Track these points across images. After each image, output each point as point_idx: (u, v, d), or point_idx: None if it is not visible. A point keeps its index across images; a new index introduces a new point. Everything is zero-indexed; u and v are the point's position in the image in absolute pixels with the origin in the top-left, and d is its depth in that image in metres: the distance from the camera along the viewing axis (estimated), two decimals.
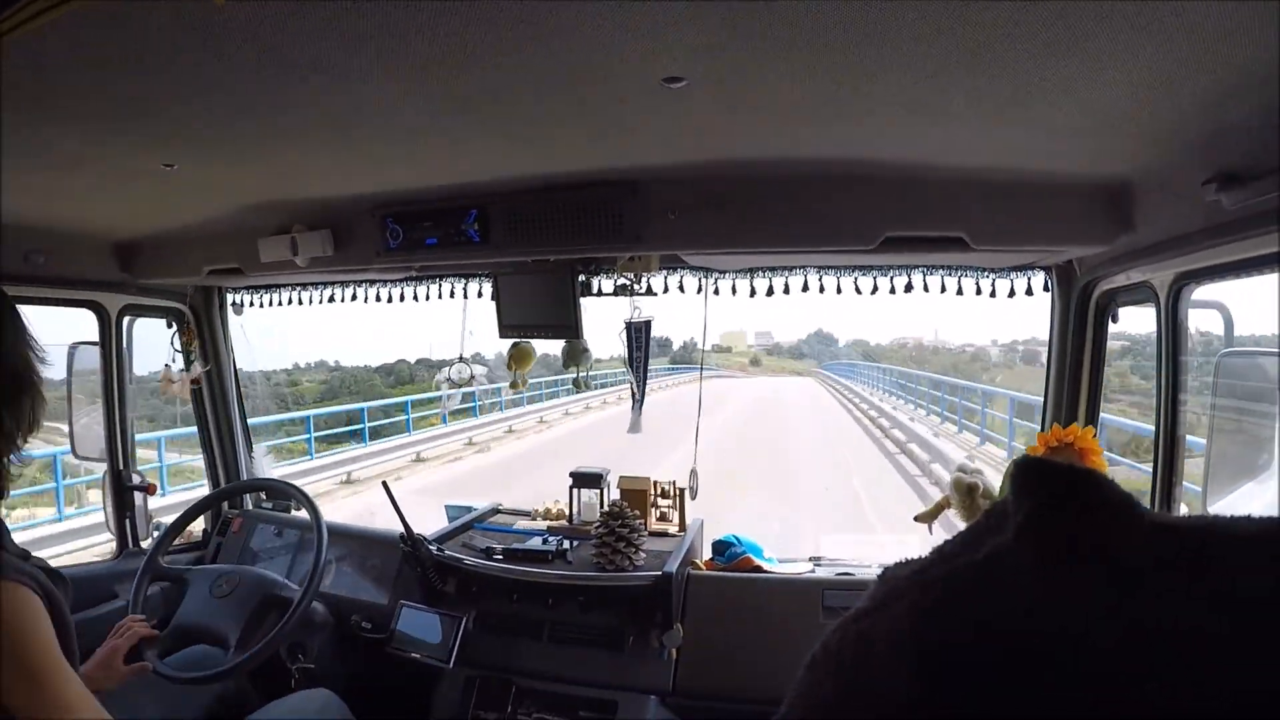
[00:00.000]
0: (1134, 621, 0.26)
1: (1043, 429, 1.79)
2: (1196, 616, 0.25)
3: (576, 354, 1.98)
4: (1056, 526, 0.29)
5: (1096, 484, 0.30)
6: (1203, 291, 1.52)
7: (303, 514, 1.95)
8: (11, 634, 0.99)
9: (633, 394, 1.97)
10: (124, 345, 2.15)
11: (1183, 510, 1.66)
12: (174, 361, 2.29)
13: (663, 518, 2.09)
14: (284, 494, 2.09)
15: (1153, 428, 1.60)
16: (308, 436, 10.69)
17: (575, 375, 2.03)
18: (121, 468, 2.13)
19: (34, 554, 1.13)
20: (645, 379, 1.95)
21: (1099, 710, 0.25)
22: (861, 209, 1.54)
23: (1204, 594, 0.26)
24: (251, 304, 2.34)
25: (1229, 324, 1.87)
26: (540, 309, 1.94)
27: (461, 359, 2.22)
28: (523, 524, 2.16)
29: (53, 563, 1.17)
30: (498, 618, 1.90)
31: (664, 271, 1.92)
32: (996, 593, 0.28)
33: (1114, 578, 0.27)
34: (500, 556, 1.93)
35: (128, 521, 2.13)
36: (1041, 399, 1.90)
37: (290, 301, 2.26)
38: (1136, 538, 0.28)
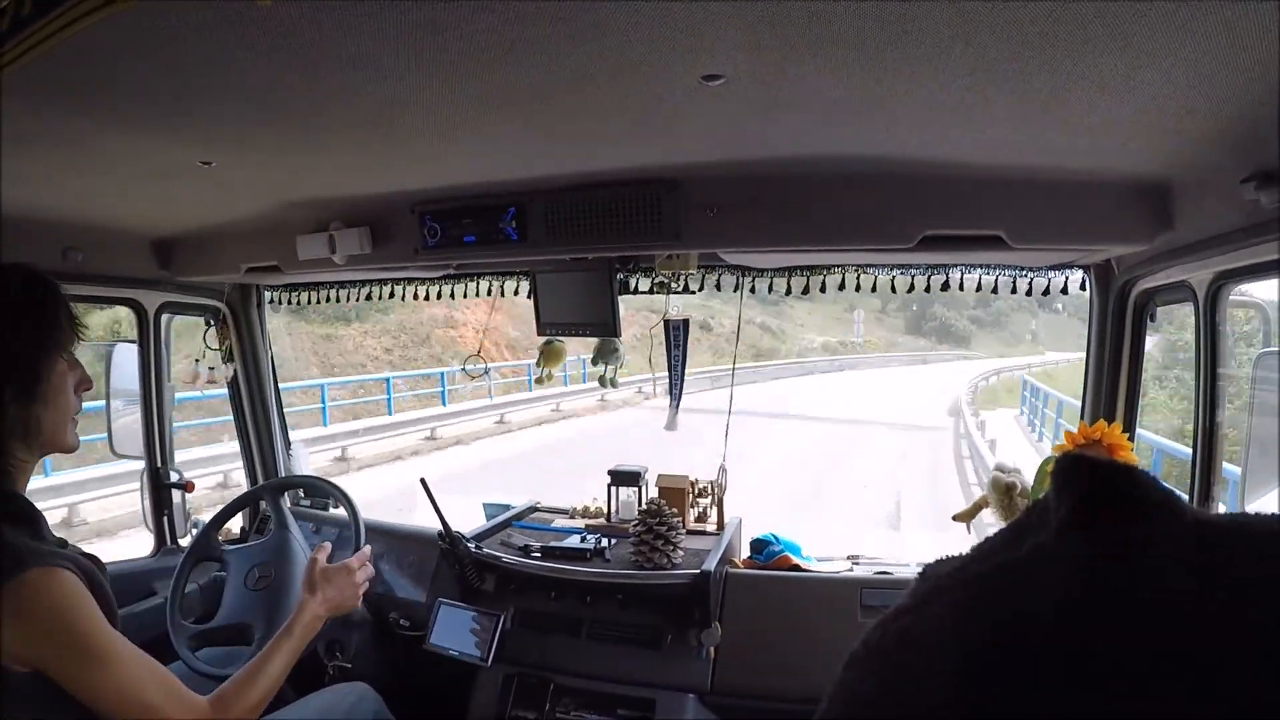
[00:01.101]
0: (1176, 618, 0.26)
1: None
2: (1238, 614, 0.26)
3: (607, 352, 1.99)
4: (1099, 523, 0.29)
5: (1138, 480, 0.30)
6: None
7: (341, 511, 1.96)
8: (62, 617, 1.00)
9: (670, 391, 1.97)
10: (162, 343, 2.15)
11: (1221, 508, 1.65)
12: (203, 358, 2.29)
13: (701, 517, 2.09)
14: (322, 491, 2.10)
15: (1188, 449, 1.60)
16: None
17: (601, 374, 2.02)
18: (160, 465, 2.14)
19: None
20: (683, 377, 1.95)
21: (1141, 708, 0.25)
22: (900, 207, 1.54)
23: (1246, 591, 0.26)
24: (289, 301, 2.34)
25: (1267, 323, 1.87)
26: (578, 307, 1.94)
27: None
28: (561, 522, 2.16)
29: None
30: (536, 616, 1.90)
31: (702, 270, 1.93)
32: (1039, 589, 0.28)
33: (1156, 574, 0.27)
34: (539, 554, 1.93)
35: (165, 519, 2.14)
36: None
37: (328, 299, 2.27)
38: (1178, 534, 0.28)
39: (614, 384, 2.10)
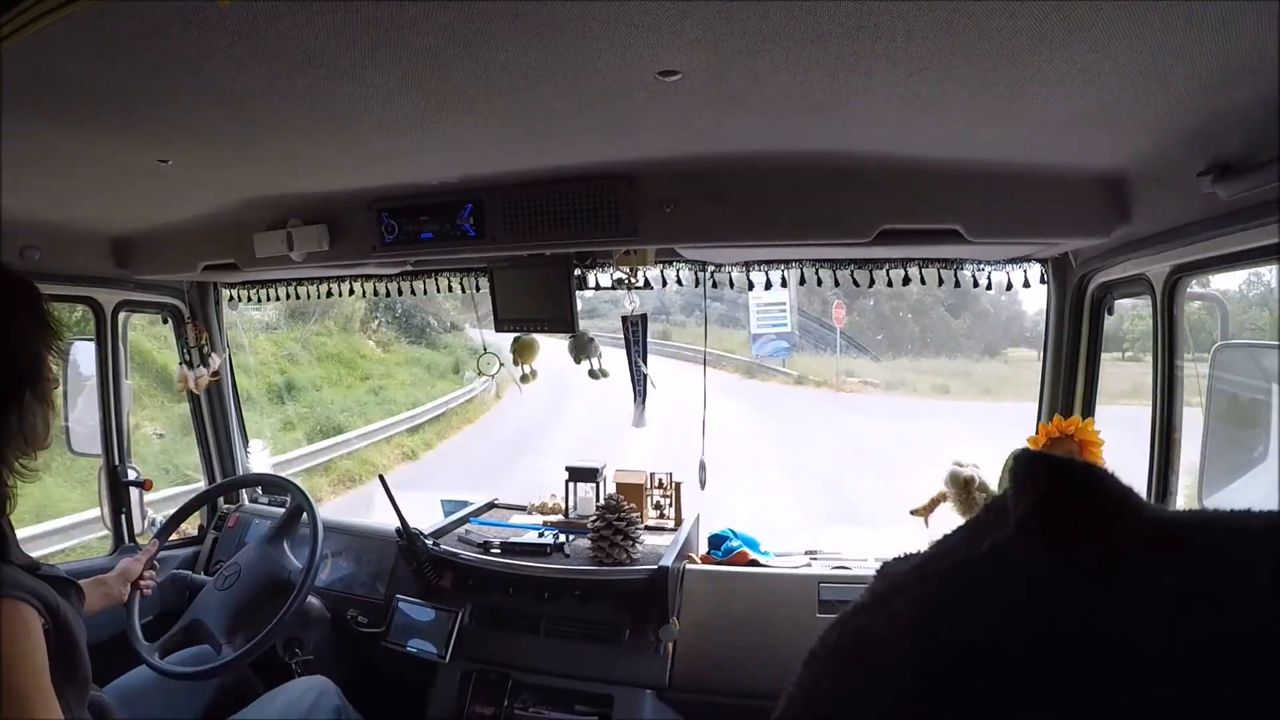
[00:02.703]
0: (1135, 615, 0.26)
1: (1039, 421, 1.80)
2: (1196, 610, 0.25)
3: (583, 346, 1.97)
4: (1057, 520, 0.29)
5: (1096, 477, 0.30)
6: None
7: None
8: (3, 650, 0.97)
9: (634, 388, 1.96)
10: (119, 341, 2.14)
11: (1179, 504, 1.66)
12: (187, 358, 2.28)
13: (660, 512, 2.09)
14: (280, 488, 2.09)
15: None
16: None
17: (590, 368, 2.01)
18: (117, 463, 2.13)
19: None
20: (645, 373, 1.95)
21: (1100, 704, 0.25)
22: (857, 202, 1.54)
23: (1204, 588, 0.26)
24: (247, 299, 2.33)
25: (1224, 316, 1.88)
26: (537, 303, 1.93)
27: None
28: (518, 518, 2.16)
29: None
30: (494, 612, 1.90)
31: (660, 265, 1.92)
32: (997, 587, 0.28)
33: (1114, 571, 0.27)
34: (498, 550, 1.93)
35: (124, 517, 2.13)
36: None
37: (286, 296, 2.26)
38: (1136, 531, 0.28)
39: (605, 374, 2.07)
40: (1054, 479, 0.30)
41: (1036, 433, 1.68)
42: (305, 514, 1.88)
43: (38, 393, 1.08)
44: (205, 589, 1.83)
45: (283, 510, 1.97)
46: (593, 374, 2.04)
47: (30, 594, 1.03)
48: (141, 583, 1.71)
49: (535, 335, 2.09)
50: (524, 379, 2.16)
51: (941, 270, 1.87)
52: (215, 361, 2.30)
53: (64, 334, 1.15)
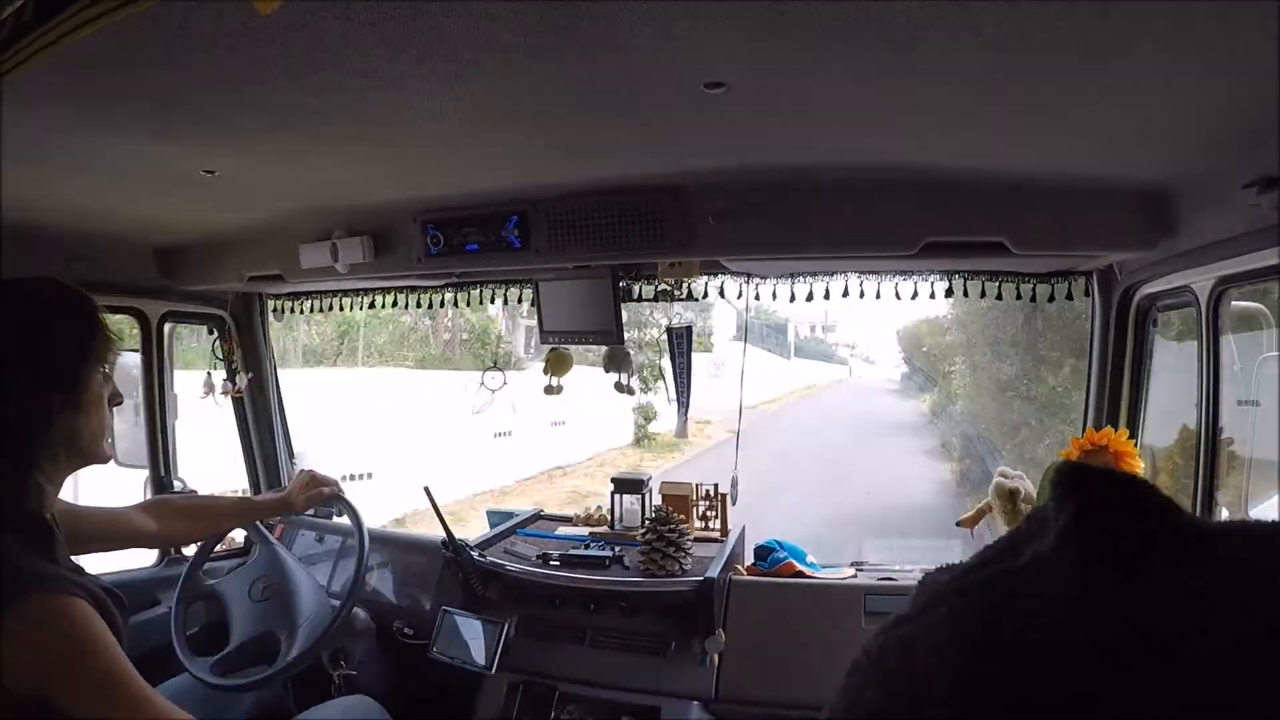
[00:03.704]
0: (1176, 625, 0.26)
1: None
2: (1240, 622, 0.25)
3: (618, 359, 1.98)
4: (1098, 532, 0.29)
5: (1138, 489, 0.30)
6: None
7: (345, 520, 1.96)
8: (77, 647, 0.98)
9: (677, 399, 1.97)
10: (165, 352, 2.16)
11: (1223, 515, 1.65)
12: (214, 369, 2.30)
13: (705, 523, 2.09)
14: (327, 500, 2.09)
15: None
16: None
17: (617, 380, 2.02)
18: (163, 474, 2.14)
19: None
20: (689, 384, 1.96)
21: (1140, 715, 0.25)
22: (902, 214, 1.55)
23: (1248, 599, 0.26)
24: (292, 310, 2.34)
25: (1269, 327, 1.87)
26: (582, 315, 1.94)
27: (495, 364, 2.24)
28: (564, 529, 2.16)
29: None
30: (540, 623, 1.90)
31: (705, 277, 1.93)
32: (1037, 599, 0.28)
33: (1155, 582, 0.27)
34: (557, 563, 1.93)
35: None
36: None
37: (331, 308, 2.27)
38: (1179, 542, 0.28)
39: (631, 391, 2.09)
40: (1095, 490, 0.30)
41: (1070, 446, 1.68)
42: (352, 525, 1.89)
43: (76, 403, 1.08)
44: (248, 609, 1.81)
45: (328, 520, 1.97)
46: (619, 387, 2.05)
47: (86, 592, 1.03)
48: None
49: (570, 349, 2.11)
50: (548, 390, 2.17)
51: (986, 283, 1.87)
52: (243, 380, 2.31)
53: (117, 349, 1.16)
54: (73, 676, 0.98)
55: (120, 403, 1.18)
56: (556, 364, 2.12)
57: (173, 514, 1.55)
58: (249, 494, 1.97)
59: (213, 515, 1.65)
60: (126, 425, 2.11)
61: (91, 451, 1.14)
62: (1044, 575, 0.29)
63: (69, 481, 1.18)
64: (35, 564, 1.02)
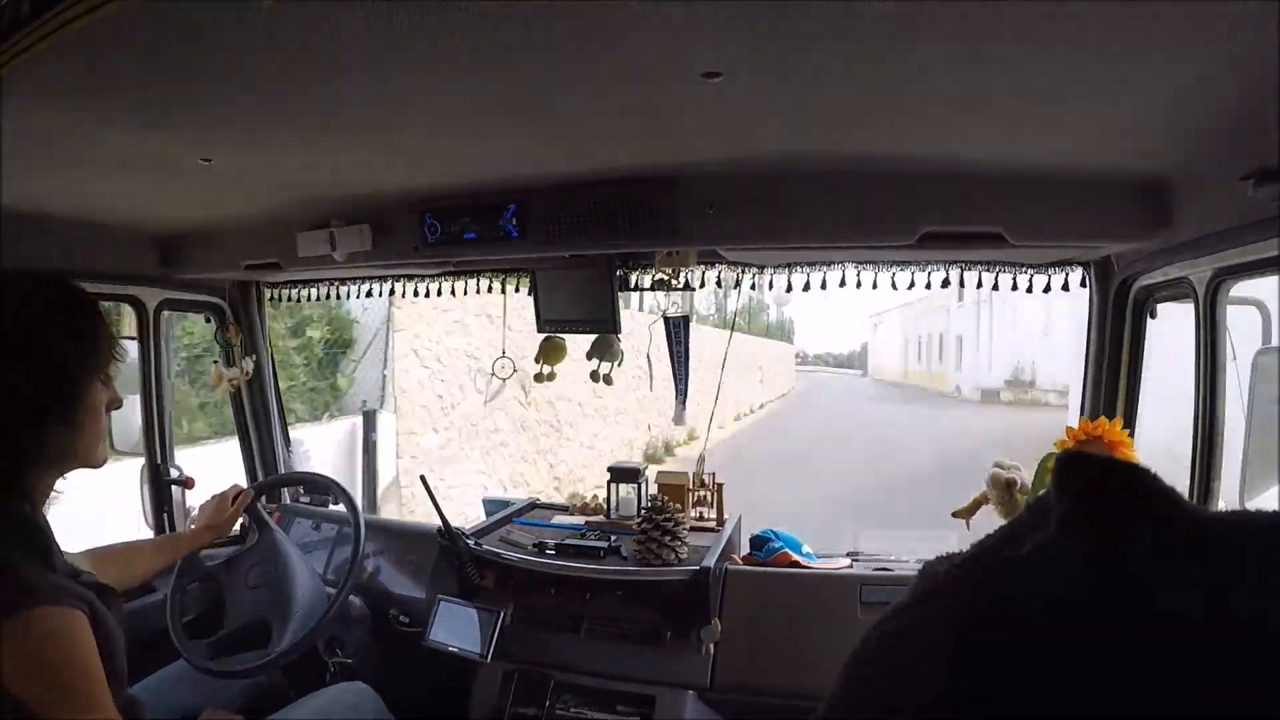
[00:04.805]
0: (1177, 614, 0.26)
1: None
2: (1238, 609, 0.26)
3: (604, 348, 1.98)
4: (1100, 519, 0.29)
5: (1139, 477, 0.30)
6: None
7: (341, 508, 1.96)
8: (58, 658, 0.98)
9: (675, 386, 1.97)
10: (162, 340, 2.16)
11: (1221, 506, 1.66)
12: (221, 359, 2.31)
13: (700, 514, 2.09)
14: (322, 488, 2.10)
15: None
16: None
17: (595, 369, 2.02)
18: (160, 462, 2.14)
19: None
20: (688, 372, 1.96)
21: (1139, 700, 0.25)
22: (900, 204, 1.56)
23: (1246, 587, 0.26)
24: (289, 299, 2.35)
25: (1266, 320, 1.87)
26: (579, 304, 1.94)
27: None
28: (560, 518, 2.16)
29: None
30: (536, 612, 1.90)
31: (702, 266, 1.93)
32: (1039, 587, 0.29)
33: (1155, 569, 0.27)
34: (553, 552, 1.93)
35: (166, 515, 2.14)
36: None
37: (328, 296, 2.27)
38: (1179, 531, 0.28)
39: (609, 381, 2.09)
40: (1095, 479, 0.30)
41: (1065, 436, 1.68)
42: (348, 513, 1.89)
43: (74, 411, 1.04)
44: (244, 595, 1.82)
45: (325, 508, 1.97)
46: (594, 375, 2.05)
47: (80, 600, 1.03)
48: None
49: (565, 338, 2.11)
50: (538, 378, 2.17)
51: (983, 273, 1.87)
52: (248, 364, 2.31)
53: (119, 357, 1.11)
54: (53, 689, 0.97)
55: (119, 407, 1.14)
56: (550, 352, 2.12)
57: (106, 563, 1.45)
58: (244, 485, 1.95)
59: (141, 557, 1.57)
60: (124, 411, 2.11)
61: (87, 458, 1.11)
62: (1046, 563, 0.29)
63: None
64: (38, 575, 1.01)
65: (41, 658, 0.97)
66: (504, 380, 2.26)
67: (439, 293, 2.17)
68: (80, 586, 1.06)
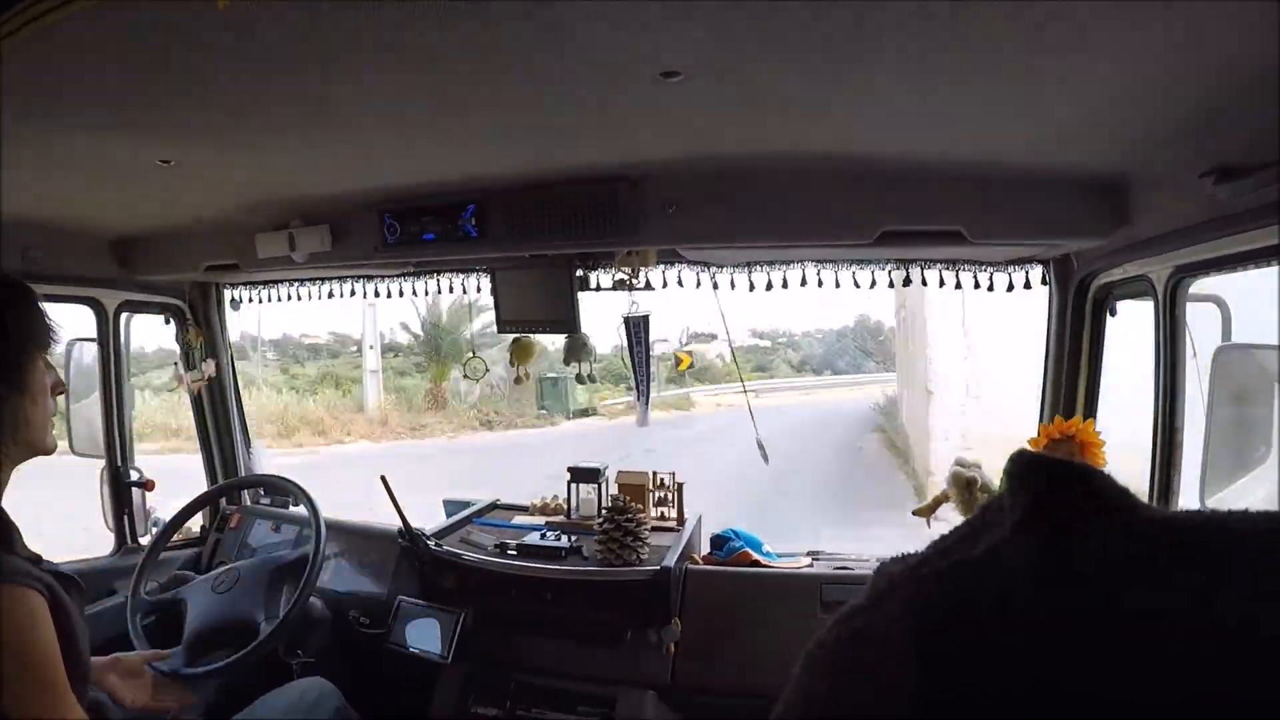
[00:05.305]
0: (1132, 616, 0.26)
1: (1040, 422, 1.80)
2: (1195, 611, 0.26)
3: (578, 349, 1.98)
4: (1053, 522, 0.29)
5: (1093, 479, 0.30)
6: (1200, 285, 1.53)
7: (300, 509, 1.96)
8: (19, 639, 1.00)
9: (636, 389, 1.97)
10: (121, 342, 2.14)
11: (1180, 505, 1.66)
12: (181, 360, 2.29)
13: (661, 515, 2.09)
14: (282, 490, 2.09)
15: None
16: None
17: (578, 371, 2.02)
18: (120, 464, 2.13)
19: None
20: (649, 373, 1.95)
21: (1095, 703, 0.25)
22: (859, 203, 1.56)
23: (1203, 588, 0.26)
24: (249, 300, 2.33)
25: (1226, 318, 1.88)
26: (539, 304, 1.94)
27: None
28: (521, 519, 2.16)
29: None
30: (496, 613, 1.90)
31: (662, 266, 1.92)
32: (994, 588, 0.28)
33: (1111, 573, 0.27)
34: (514, 553, 1.93)
35: (126, 518, 2.13)
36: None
37: (289, 297, 2.26)
38: (1134, 533, 0.28)
39: (592, 379, 2.09)
40: (1050, 480, 0.30)
41: (1037, 434, 1.68)
42: (308, 513, 1.88)
43: (18, 388, 1.11)
44: (204, 592, 1.82)
45: (285, 510, 1.96)
46: (579, 379, 2.05)
47: (39, 583, 1.05)
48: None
49: (535, 338, 2.11)
50: (517, 380, 2.18)
51: (943, 271, 1.87)
52: (209, 367, 2.30)
53: (55, 337, 1.19)
54: (9, 669, 1.00)
55: (63, 391, 1.22)
56: (521, 353, 2.12)
57: None
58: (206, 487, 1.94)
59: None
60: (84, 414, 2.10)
61: (38, 440, 1.17)
62: (999, 566, 0.29)
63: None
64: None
65: (3, 638, 0.99)
66: (476, 381, 2.26)
67: (400, 294, 2.17)
68: (42, 572, 1.08)
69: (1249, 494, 1.48)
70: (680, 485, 2.06)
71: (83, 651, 1.15)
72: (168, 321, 2.29)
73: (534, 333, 2.02)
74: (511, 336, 2.07)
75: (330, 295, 2.22)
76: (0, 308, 1.11)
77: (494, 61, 0.99)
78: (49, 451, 1.20)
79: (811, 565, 1.91)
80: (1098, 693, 0.25)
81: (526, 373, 2.17)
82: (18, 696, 1.00)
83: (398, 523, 1.94)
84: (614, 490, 2.04)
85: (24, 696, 1.01)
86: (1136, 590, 0.26)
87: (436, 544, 1.95)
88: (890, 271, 1.88)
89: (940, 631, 0.29)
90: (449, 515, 2.18)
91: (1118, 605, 0.26)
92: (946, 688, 0.27)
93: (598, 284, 1.94)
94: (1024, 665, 0.26)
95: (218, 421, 2.37)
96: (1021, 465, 0.31)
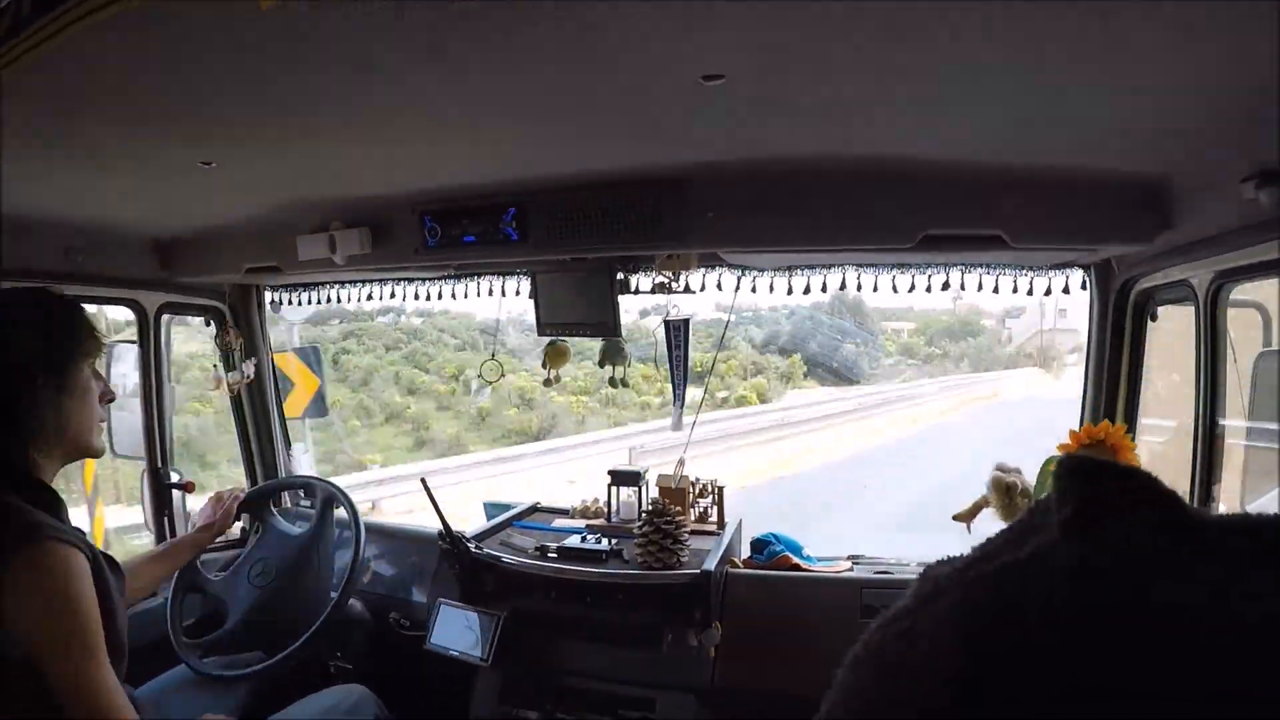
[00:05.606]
0: (1181, 619, 0.26)
1: (1081, 426, 1.79)
2: (1242, 613, 0.26)
3: (615, 352, 1.99)
4: (1102, 524, 0.29)
5: (1142, 481, 0.30)
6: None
7: (341, 512, 1.96)
8: (66, 595, 1.07)
9: (673, 391, 1.97)
10: (162, 344, 2.16)
11: (1221, 509, 1.65)
12: (220, 362, 2.31)
13: (701, 517, 2.09)
14: (322, 492, 2.09)
15: None
16: None
17: (611, 375, 2.03)
18: (160, 466, 2.13)
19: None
20: (686, 376, 1.96)
21: (1145, 703, 0.25)
22: (900, 207, 1.55)
23: (1251, 590, 0.26)
24: (289, 302, 2.34)
25: (1267, 324, 1.87)
26: (579, 307, 1.94)
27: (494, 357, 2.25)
28: (561, 522, 2.16)
29: None
30: (536, 616, 1.90)
31: (702, 269, 1.93)
32: (1041, 590, 0.28)
33: (1158, 573, 0.27)
34: (554, 555, 1.92)
35: (166, 519, 2.13)
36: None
37: (328, 300, 2.27)
38: (1182, 535, 0.28)
39: (625, 384, 2.10)
40: (1098, 483, 0.30)
41: (1069, 440, 1.68)
42: (348, 516, 1.89)
43: (62, 388, 1.18)
44: (244, 592, 1.83)
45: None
46: (612, 382, 2.05)
47: (85, 546, 1.12)
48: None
49: (568, 341, 2.12)
50: (547, 383, 2.19)
51: (983, 275, 1.87)
52: (249, 368, 2.31)
53: (103, 348, 1.27)
54: (51, 624, 1.06)
55: (112, 399, 1.28)
56: (554, 357, 2.13)
57: None
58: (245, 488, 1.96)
59: (145, 566, 1.65)
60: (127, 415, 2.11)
61: (84, 441, 1.23)
62: (1047, 568, 0.29)
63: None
64: (44, 518, 1.11)
65: (42, 591, 1.05)
66: (492, 384, 2.26)
67: (439, 296, 2.18)
68: (87, 543, 1.15)
69: None
70: (721, 489, 2.06)
71: (120, 631, 1.20)
72: (208, 323, 2.30)
73: (574, 335, 2.03)
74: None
75: (370, 298, 2.23)
76: (47, 317, 1.21)
77: (534, 64, 1.00)
78: (97, 453, 1.27)
79: (852, 569, 1.91)
80: (1142, 694, 0.25)
81: (558, 375, 2.17)
82: (53, 652, 1.05)
83: (438, 525, 1.94)
84: (654, 493, 2.04)
85: (61, 653, 1.06)
86: (1185, 592, 0.26)
87: (477, 547, 1.95)
88: (930, 276, 1.88)
89: (989, 634, 0.28)
90: (489, 518, 2.18)
91: (1162, 606, 0.26)
92: (996, 690, 0.27)
93: (637, 287, 1.95)
94: (1069, 667, 0.26)
95: (258, 423, 2.38)
96: (1069, 467, 0.31)
